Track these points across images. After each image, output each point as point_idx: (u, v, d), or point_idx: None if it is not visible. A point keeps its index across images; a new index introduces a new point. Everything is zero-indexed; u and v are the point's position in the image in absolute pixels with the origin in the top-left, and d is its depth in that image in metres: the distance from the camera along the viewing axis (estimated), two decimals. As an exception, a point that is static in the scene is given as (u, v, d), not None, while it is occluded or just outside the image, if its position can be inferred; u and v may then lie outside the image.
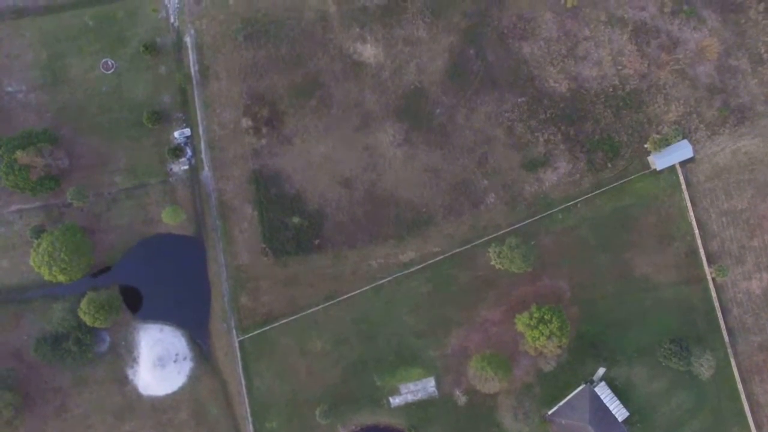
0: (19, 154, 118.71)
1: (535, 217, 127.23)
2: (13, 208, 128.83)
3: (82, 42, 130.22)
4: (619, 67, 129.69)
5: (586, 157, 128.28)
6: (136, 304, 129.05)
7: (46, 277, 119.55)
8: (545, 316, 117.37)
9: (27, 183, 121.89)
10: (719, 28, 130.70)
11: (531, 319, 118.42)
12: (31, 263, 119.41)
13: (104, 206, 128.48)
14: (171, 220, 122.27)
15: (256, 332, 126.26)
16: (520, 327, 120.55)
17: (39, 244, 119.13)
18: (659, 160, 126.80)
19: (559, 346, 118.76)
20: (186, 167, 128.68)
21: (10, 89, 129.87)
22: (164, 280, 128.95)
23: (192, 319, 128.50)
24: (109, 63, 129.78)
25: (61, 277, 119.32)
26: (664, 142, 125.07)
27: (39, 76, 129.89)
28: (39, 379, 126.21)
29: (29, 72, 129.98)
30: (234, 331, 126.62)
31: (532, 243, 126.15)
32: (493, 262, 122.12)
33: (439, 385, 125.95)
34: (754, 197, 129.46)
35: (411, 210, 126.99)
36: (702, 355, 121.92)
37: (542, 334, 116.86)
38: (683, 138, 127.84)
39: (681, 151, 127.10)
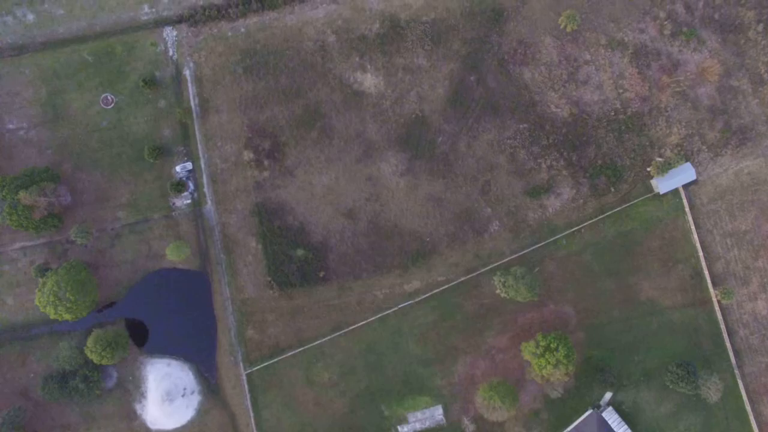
0: (21, 194, 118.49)
1: (539, 244, 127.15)
2: (17, 245, 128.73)
3: (82, 77, 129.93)
4: (621, 91, 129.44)
5: (589, 182, 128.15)
6: (143, 338, 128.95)
7: (52, 317, 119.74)
8: (551, 345, 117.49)
9: (30, 222, 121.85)
10: (719, 49, 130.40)
11: (537, 347, 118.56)
12: (37, 303, 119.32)
13: (108, 242, 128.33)
14: (175, 256, 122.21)
15: (263, 365, 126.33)
16: (526, 355, 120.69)
17: (44, 284, 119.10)
18: (662, 184, 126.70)
19: (566, 374, 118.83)
20: (189, 201, 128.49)
21: (11, 126, 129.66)
22: (170, 315, 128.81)
23: (199, 353, 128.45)
24: (109, 98, 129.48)
25: (66, 316, 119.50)
26: (667, 167, 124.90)
27: (39, 112, 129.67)
28: (47, 416, 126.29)
29: (30, 109, 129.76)
30: (241, 364, 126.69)
31: (537, 270, 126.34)
32: (498, 291, 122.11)
33: (446, 413, 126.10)
34: (758, 218, 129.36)
35: (415, 240, 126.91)
36: (709, 378, 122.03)
37: (549, 362, 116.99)
38: (686, 161, 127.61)
39: (684, 174, 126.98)
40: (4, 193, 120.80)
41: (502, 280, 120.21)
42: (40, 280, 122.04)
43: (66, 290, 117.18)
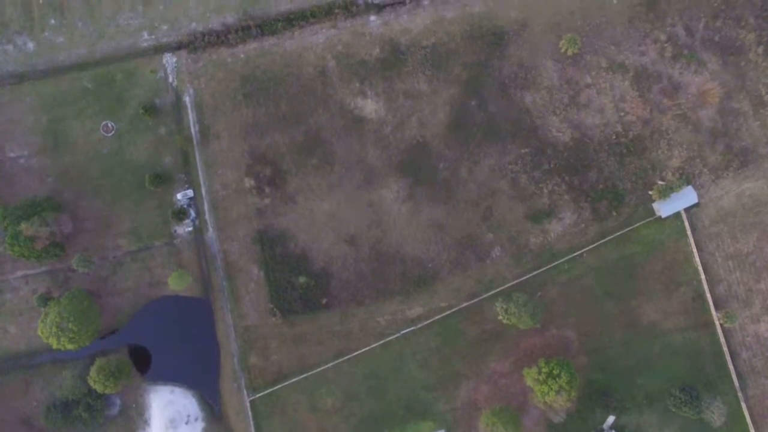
0: (23, 226, 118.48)
1: (541, 269, 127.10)
2: (19, 274, 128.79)
3: (82, 105, 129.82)
4: (622, 114, 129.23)
5: (591, 206, 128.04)
6: (146, 366, 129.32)
7: (55, 347, 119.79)
8: (554, 371, 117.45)
9: (32, 252, 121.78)
10: (720, 71, 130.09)
11: (539, 373, 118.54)
12: (39, 334, 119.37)
13: (110, 270, 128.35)
14: (177, 285, 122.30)
15: (266, 391, 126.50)
16: (528, 381, 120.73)
17: (46, 315, 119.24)
18: (664, 208, 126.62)
19: (569, 400, 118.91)
20: (190, 229, 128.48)
21: (12, 154, 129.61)
22: (173, 342, 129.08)
23: (202, 380, 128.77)
24: (109, 125, 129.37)
25: (69, 346, 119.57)
26: (669, 191, 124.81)
27: (40, 140, 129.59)
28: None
29: (30, 137, 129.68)
30: (245, 391, 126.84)
31: (539, 294, 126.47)
32: (500, 317, 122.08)
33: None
34: (760, 240, 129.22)
35: (417, 266, 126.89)
36: (712, 402, 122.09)
37: (551, 389, 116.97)
38: (687, 184, 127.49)
39: (686, 197, 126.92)
40: (5, 224, 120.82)
41: (505, 307, 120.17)
42: (43, 310, 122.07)
43: (68, 321, 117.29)
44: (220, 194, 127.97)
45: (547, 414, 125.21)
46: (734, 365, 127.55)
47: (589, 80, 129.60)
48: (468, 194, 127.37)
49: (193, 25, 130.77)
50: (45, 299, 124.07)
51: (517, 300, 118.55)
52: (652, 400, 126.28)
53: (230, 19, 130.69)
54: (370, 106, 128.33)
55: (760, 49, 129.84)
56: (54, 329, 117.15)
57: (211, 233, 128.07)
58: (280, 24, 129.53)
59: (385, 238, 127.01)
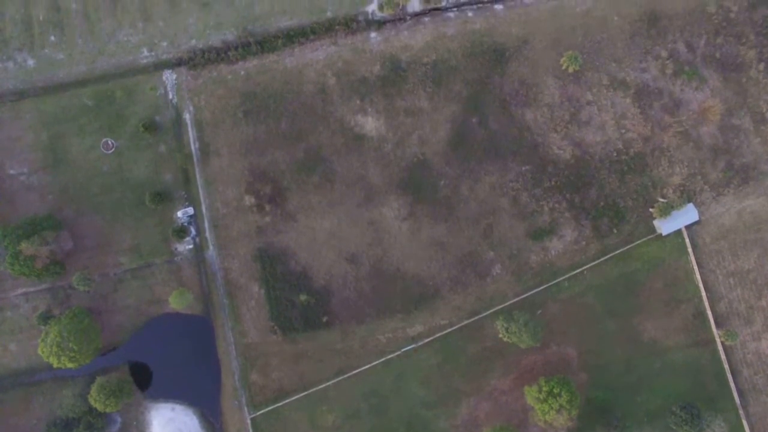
0: (23, 245, 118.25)
1: (542, 287, 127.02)
2: (19, 291, 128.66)
3: (82, 122, 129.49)
4: (623, 131, 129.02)
5: (592, 223, 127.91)
6: (147, 383, 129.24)
7: (55, 366, 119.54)
8: (554, 390, 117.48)
9: (32, 271, 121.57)
10: (721, 88, 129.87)
11: (540, 392, 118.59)
12: (40, 353, 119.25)
13: (110, 287, 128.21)
14: (178, 304, 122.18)
15: (267, 408, 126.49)
16: (529, 400, 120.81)
17: (47, 334, 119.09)
18: (665, 226, 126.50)
19: (569, 419, 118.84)
20: (191, 246, 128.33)
21: (12, 172, 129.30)
22: (174, 359, 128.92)
23: (203, 398, 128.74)
24: (110, 143, 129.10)
25: (70, 365, 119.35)
26: (670, 209, 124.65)
27: (40, 157, 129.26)
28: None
29: (30, 154, 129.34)
30: (246, 408, 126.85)
31: (539, 312, 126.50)
32: (501, 335, 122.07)
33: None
34: (761, 257, 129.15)
35: (418, 284, 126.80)
36: (714, 420, 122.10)
37: (552, 407, 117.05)
38: (688, 201, 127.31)
39: (687, 215, 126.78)
40: (6, 243, 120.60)
41: (506, 325, 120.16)
42: (43, 329, 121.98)
43: (69, 340, 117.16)
44: (221, 212, 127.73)
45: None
46: (735, 383, 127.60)
47: (590, 97, 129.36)
48: (469, 212, 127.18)
49: (193, 41, 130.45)
50: (46, 317, 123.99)
51: (518, 319, 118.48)
52: (653, 417, 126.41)
53: (230, 35, 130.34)
54: (370, 124, 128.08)
55: (761, 66, 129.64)
56: (54, 348, 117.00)
57: (211, 251, 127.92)
58: (280, 41, 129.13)
59: (386, 256, 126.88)
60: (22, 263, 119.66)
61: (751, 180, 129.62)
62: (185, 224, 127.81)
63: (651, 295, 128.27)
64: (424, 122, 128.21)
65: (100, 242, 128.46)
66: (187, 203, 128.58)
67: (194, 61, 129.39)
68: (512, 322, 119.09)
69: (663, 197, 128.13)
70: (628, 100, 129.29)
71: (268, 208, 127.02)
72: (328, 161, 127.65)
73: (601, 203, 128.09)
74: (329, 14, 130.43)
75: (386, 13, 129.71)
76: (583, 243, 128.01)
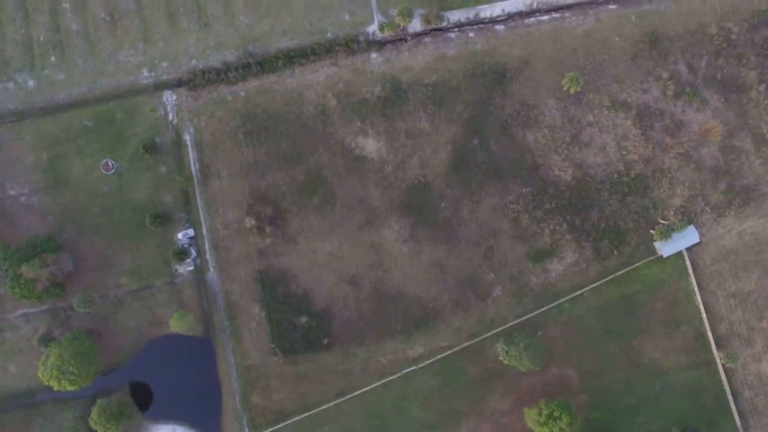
0: (24, 268, 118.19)
1: (542, 309, 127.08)
2: (20, 312, 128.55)
3: (82, 143, 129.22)
4: (624, 152, 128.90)
5: (592, 245, 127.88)
6: (147, 404, 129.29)
7: (56, 389, 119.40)
8: (554, 413, 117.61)
9: (33, 293, 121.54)
10: (722, 109, 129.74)
11: (540, 415, 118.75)
12: (40, 377, 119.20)
13: (111, 308, 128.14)
14: (179, 327, 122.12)
15: (268, 430, 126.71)
16: (529, 422, 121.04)
17: (47, 358, 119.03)
18: (666, 248, 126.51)
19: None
20: (191, 268, 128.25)
21: (12, 192, 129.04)
22: (174, 381, 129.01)
23: (204, 419, 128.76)
24: (110, 164, 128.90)
25: (70, 388, 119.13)
26: (670, 232, 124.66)
27: (40, 178, 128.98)
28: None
29: (31, 175, 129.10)
30: (247, 430, 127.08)
31: (540, 334, 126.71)
32: (501, 358, 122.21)
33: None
34: (762, 278, 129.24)
35: (418, 305, 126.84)
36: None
37: (551, 430, 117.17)
38: (689, 223, 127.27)
39: (687, 237, 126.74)
40: (6, 266, 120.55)
41: (506, 348, 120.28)
42: (44, 351, 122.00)
43: (69, 363, 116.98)
44: (221, 234, 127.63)
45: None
46: (736, 404, 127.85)
47: (591, 118, 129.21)
48: (469, 234, 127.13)
49: (193, 62, 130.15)
50: (46, 340, 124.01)
51: (518, 343, 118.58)
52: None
53: (230, 56, 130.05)
54: (371, 146, 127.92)
55: (762, 87, 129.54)
56: (55, 372, 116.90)
57: (212, 273, 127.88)
58: (280, 61, 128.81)
59: (387, 278, 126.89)
60: (22, 286, 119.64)
61: (752, 201, 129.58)
62: (186, 246, 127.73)
63: (651, 316, 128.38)
64: (424, 144, 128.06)
65: (100, 263, 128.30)
66: (187, 225, 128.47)
67: (194, 81, 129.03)
68: (512, 346, 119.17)
69: (664, 219, 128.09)
70: (629, 122, 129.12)
71: (268, 230, 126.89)
72: (328, 183, 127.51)
73: (602, 225, 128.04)
74: (330, 35, 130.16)
75: (387, 34, 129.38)
76: (584, 265, 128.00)
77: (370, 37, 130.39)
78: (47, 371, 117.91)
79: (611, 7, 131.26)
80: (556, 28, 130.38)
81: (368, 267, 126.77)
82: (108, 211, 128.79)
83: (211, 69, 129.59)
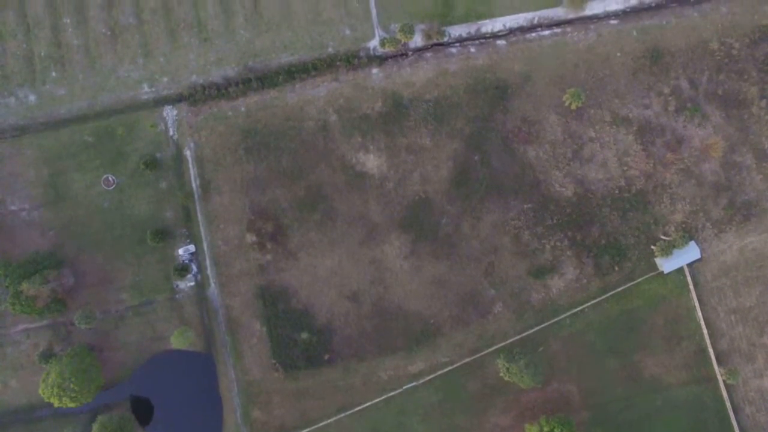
0: (25, 285, 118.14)
1: (543, 324, 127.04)
2: (20, 327, 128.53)
3: (83, 158, 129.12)
4: (625, 168, 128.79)
5: (593, 261, 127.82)
6: (148, 419, 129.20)
7: (56, 405, 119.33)
8: (555, 429, 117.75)
9: (34, 310, 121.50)
10: (723, 124, 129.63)
11: (541, 431, 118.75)
12: (41, 394, 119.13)
13: (112, 324, 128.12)
14: (180, 344, 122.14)
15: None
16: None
17: (48, 375, 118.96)
18: (666, 264, 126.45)
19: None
20: (192, 284, 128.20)
21: (13, 207, 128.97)
22: (175, 396, 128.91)
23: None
24: (110, 179, 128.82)
25: (71, 405, 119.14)
26: (671, 248, 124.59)
27: (41, 193, 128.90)
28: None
29: (31, 190, 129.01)
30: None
31: (540, 349, 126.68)
32: (501, 374, 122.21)
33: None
34: (763, 294, 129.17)
35: (419, 321, 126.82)
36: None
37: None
38: (690, 239, 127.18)
39: (688, 253, 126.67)
40: (7, 283, 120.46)
41: (507, 365, 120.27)
42: (44, 368, 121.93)
43: (70, 381, 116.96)
44: (222, 249, 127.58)
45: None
46: (737, 420, 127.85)
47: (592, 134, 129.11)
48: (470, 250, 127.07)
49: (194, 77, 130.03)
50: (47, 356, 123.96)
51: (519, 362, 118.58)
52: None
53: (231, 71, 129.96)
54: (372, 162, 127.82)
55: (763, 103, 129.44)
56: (56, 390, 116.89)
57: (213, 288, 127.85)
58: (281, 77, 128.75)
59: (387, 294, 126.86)
60: (23, 303, 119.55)
61: (753, 217, 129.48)
62: (187, 262, 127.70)
63: (652, 332, 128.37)
64: (425, 160, 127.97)
65: (101, 279, 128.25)
66: (188, 240, 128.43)
67: (195, 97, 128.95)
68: (513, 363, 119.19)
69: (665, 235, 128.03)
70: (630, 137, 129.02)
71: (269, 245, 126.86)
72: (329, 199, 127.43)
73: (603, 241, 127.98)
74: (330, 50, 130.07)
75: (388, 49, 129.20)
76: (585, 281, 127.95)
77: (371, 52, 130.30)
78: (48, 388, 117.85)
79: (612, 22, 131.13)
80: (557, 43, 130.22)
81: (369, 283, 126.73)
82: (109, 226, 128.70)
83: (211, 84, 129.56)
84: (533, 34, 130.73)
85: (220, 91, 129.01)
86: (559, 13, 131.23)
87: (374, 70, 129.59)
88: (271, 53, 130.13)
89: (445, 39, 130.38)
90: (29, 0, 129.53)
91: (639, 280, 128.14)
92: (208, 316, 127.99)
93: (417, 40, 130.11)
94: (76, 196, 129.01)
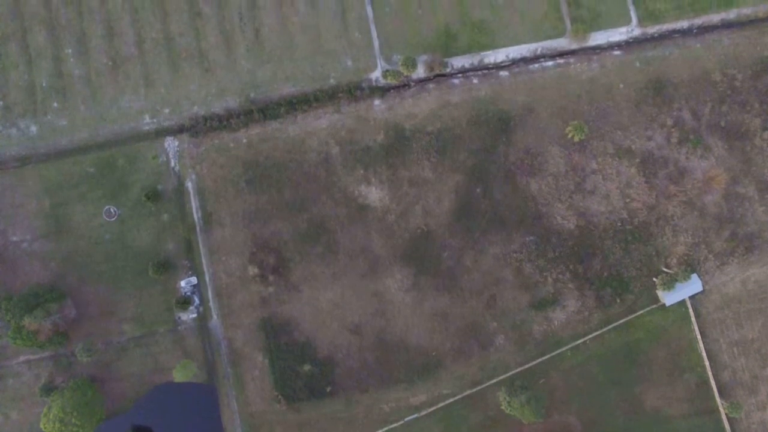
0: (26, 320, 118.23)
1: (545, 357, 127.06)
2: (22, 359, 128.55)
3: (84, 189, 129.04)
4: (627, 200, 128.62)
5: (595, 293, 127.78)
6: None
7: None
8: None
9: (35, 343, 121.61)
10: (725, 156, 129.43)
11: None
12: (42, 428, 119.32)
13: (114, 355, 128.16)
14: (182, 377, 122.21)
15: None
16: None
17: (49, 409, 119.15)
18: (668, 296, 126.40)
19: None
20: (194, 315, 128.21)
21: (14, 238, 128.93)
22: (177, 428, 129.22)
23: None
24: (112, 210, 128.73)
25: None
26: (673, 282, 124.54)
27: (43, 224, 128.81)
28: None
29: (33, 221, 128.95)
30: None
31: (542, 381, 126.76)
32: (503, 407, 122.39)
33: None
34: (765, 326, 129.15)
35: (421, 354, 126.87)
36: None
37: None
38: (692, 272, 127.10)
39: (690, 286, 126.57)
40: (8, 318, 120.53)
41: (508, 399, 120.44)
42: (46, 401, 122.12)
43: (72, 415, 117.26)
44: (224, 282, 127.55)
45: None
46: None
47: (595, 166, 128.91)
48: (472, 283, 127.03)
49: (195, 108, 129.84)
50: (48, 389, 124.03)
51: (521, 397, 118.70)
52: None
53: (232, 103, 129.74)
54: (374, 194, 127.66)
55: (766, 134, 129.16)
56: (57, 425, 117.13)
57: (215, 320, 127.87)
58: (282, 108, 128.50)
59: (389, 326, 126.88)
60: (24, 337, 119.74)
61: (756, 249, 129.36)
62: (189, 294, 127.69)
63: (654, 364, 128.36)
64: (428, 193, 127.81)
65: (103, 310, 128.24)
66: (190, 272, 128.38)
67: (196, 128, 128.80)
68: (514, 396, 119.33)
69: (667, 267, 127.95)
70: (633, 169, 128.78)
71: (271, 278, 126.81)
72: (331, 232, 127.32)
73: (605, 273, 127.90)
74: (332, 81, 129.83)
75: (390, 81, 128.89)
76: (586, 313, 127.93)
77: (373, 84, 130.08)
78: (50, 423, 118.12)
79: (615, 53, 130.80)
80: (560, 74, 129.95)
81: (371, 315, 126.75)
82: (110, 258, 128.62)
83: (213, 115, 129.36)
84: (536, 65, 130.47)
85: (222, 122, 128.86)
86: (562, 43, 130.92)
87: (376, 102, 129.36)
88: (272, 84, 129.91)
89: (448, 70, 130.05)
90: (31, 31, 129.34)
91: (641, 312, 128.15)
92: (210, 348, 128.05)
93: (419, 71, 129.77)
94: (78, 228, 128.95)
